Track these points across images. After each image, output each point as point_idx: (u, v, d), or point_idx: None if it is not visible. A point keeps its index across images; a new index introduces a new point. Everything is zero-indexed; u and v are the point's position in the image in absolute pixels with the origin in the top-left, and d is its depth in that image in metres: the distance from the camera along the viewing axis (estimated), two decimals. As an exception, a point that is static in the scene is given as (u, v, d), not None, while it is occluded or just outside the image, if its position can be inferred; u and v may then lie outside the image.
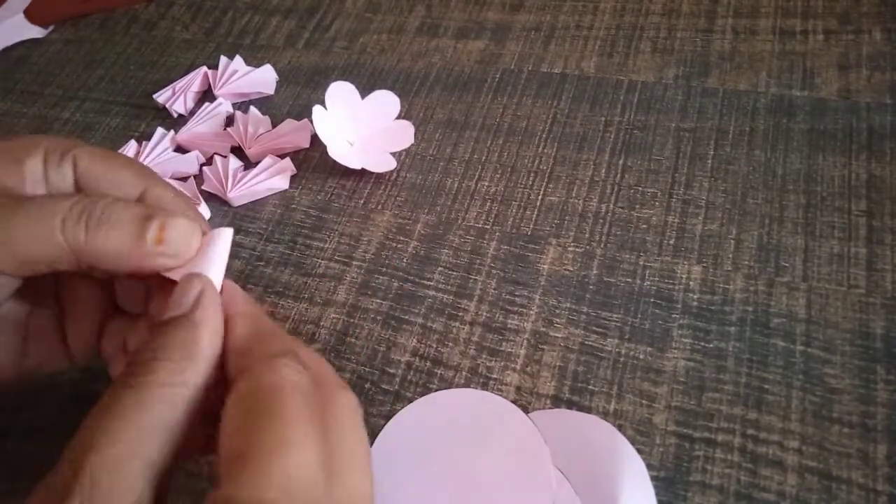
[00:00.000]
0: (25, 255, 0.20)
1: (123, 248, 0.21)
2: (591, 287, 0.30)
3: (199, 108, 0.41)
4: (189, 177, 0.38)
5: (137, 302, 0.25)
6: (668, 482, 0.25)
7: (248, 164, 0.38)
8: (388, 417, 0.27)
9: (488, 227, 0.33)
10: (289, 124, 0.39)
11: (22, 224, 0.20)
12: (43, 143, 0.23)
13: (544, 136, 0.36)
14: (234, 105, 0.41)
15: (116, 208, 0.21)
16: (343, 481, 0.18)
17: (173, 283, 0.21)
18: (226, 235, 0.22)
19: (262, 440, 0.17)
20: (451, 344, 0.30)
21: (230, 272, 0.33)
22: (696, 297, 0.29)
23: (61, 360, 0.25)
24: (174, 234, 0.21)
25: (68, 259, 0.21)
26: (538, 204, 0.33)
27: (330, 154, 0.35)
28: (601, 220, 0.32)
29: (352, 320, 0.31)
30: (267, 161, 0.37)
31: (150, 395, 0.18)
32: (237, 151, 0.39)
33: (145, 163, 0.38)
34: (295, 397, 0.18)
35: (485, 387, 0.28)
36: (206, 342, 0.20)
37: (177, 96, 0.41)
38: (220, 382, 0.20)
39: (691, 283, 0.29)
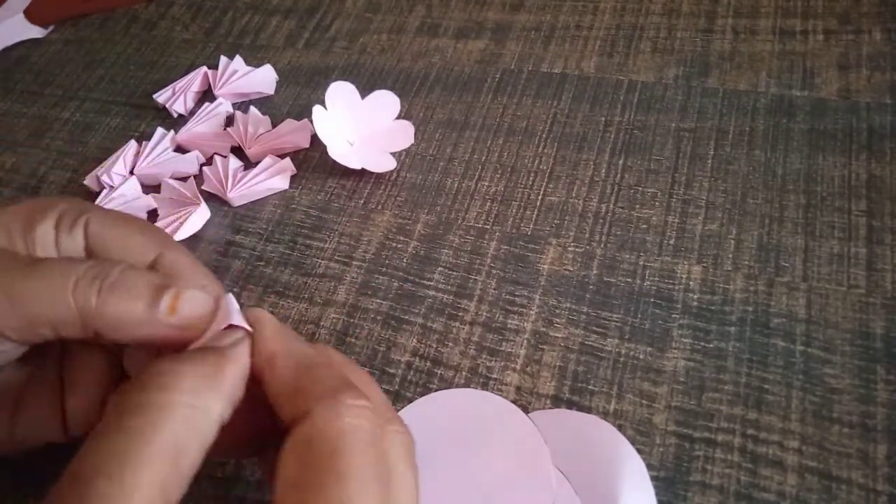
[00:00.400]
0: (33, 316, 0.19)
1: (135, 316, 0.20)
2: (591, 287, 0.30)
3: (199, 108, 0.41)
4: (189, 177, 0.38)
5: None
6: (668, 482, 0.25)
7: (248, 164, 0.38)
8: (388, 417, 0.27)
9: (488, 227, 0.33)
10: (289, 124, 0.39)
11: (33, 283, 0.20)
12: (58, 207, 0.23)
13: (544, 136, 0.36)
14: (234, 105, 0.41)
15: (131, 275, 0.20)
16: None
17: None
18: (231, 301, 0.22)
19: (323, 500, 0.16)
20: (451, 344, 0.30)
21: (231, 272, 0.34)
22: (696, 297, 0.29)
23: (55, 432, 0.24)
24: (188, 306, 0.20)
25: (75, 324, 0.20)
26: (538, 204, 0.33)
27: (330, 154, 0.35)
28: (601, 220, 0.32)
29: (352, 320, 0.31)
30: (267, 161, 0.37)
31: (164, 416, 0.17)
32: (237, 151, 0.39)
33: (145, 162, 0.38)
34: (358, 447, 0.17)
35: (485, 387, 0.28)
36: (231, 375, 0.19)
37: (177, 96, 0.41)
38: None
39: (691, 283, 0.29)
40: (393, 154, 0.36)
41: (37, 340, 0.20)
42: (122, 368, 0.24)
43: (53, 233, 0.23)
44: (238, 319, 0.21)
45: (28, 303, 0.19)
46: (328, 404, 0.18)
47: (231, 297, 0.22)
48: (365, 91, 0.38)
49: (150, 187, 0.38)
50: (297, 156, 0.38)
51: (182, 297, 0.20)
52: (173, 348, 0.21)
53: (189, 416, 0.18)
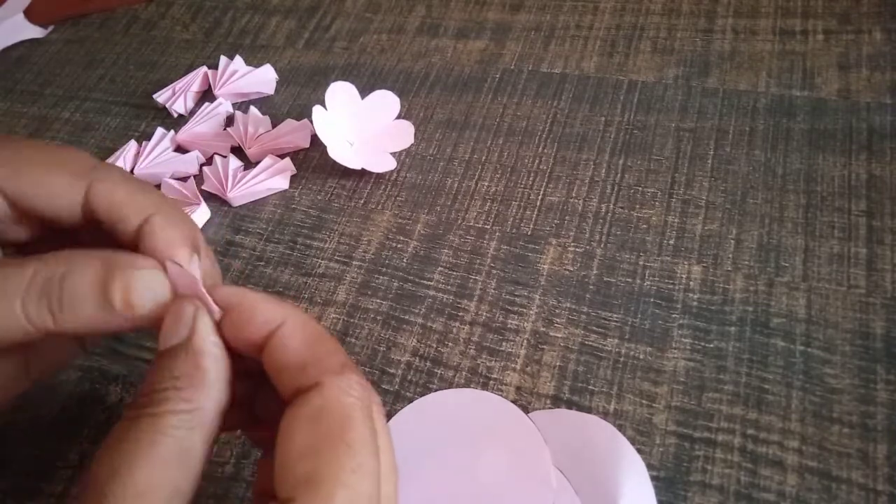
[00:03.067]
0: None
1: (94, 321, 0.20)
2: (591, 287, 0.30)
3: (199, 108, 0.41)
4: (189, 177, 0.38)
5: None
6: (668, 482, 0.25)
7: (248, 164, 0.38)
8: (388, 417, 0.27)
9: (488, 227, 0.33)
10: (289, 124, 0.39)
11: None
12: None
13: (544, 136, 0.36)
14: (234, 105, 0.41)
15: (74, 279, 0.20)
16: (385, 492, 0.18)
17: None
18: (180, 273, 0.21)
19: (337, 467, 0.17)
20: (451, 344, 0.30)
21: (231, 272, 0.34)
22: (696, 297, 0.29)
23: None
24: (138, 295, 0.20)
25: (36, 335, 0.20)
26: (538, 204, 0.33)
27: (330, 154, 0.35)
28: (601, 220, 0.32)
29: (352, 320, 0.31)
30: (267, 161, 0.37)
31: (164, 422, 0.18)
32: (237, 151, 0.39)
33: (145, 162, 0.38)
34: (366, 422, 0.18)
35: (485, 387, 0.28)
36: (209, 366, 0.19)
37: (177, 96, 0.41)
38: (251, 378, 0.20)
39: (691, 283, 0.29)
40: (393, 154, 0.36)
41: (9, 348, 0.20)
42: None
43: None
44: (193, 284, 0.20)
45: None
46: (341, 378, 0.19)
47: (176, 267, 0.21)
48: (365, 91, 0.38)
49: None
50: (297, 156, 0.38)
51: (132, 290, 0.20)
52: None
53: (187, 419, 0.18)
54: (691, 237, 0.31)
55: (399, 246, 0.33)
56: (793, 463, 0.25)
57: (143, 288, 0.20)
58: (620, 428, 0.26)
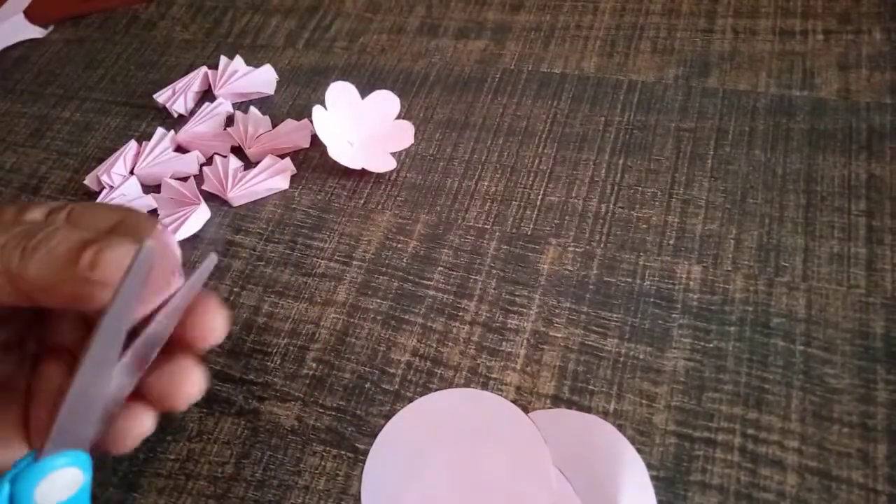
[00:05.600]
0: None
1: (55, 274, 0.19)
2: (591, 287, 0.30)
3: (199, 108, 0.41)
4: (189, 177, 0.38)
5: None
6: (668, 482, 0.25)
7: (248, 164, 0.38)
8: (388, 417, 0.27)
9: (488, 227, 0.33)
10: (289, 124, 0.39)
11: None
12: (49, 202, 0.22)
13: (544, 136, 0.36)
14: (234, 105, 0.41)
15: (57, 233, 0.19)
16: None
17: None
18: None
19: None
20: (451, 344, 0.30)
21: (231, 273, 0.34)
22: (696, 296, 0.29)
23: (19, 447, 0.23)
24: (109, 258, 0.19)
25: (3, 286, 0.19)
26: (538, 204, 0.33)
27: (330, 154, 0.35)
28: (601, 220, 0.32)
29: (352, 320, 0.31)
30: (267, 161, 0.37)
31: None
32: (237, 151, 0.39)
33: (145, 162, 0.38)
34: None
35: (485, 387, 0.28)
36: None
37: (177, 96, 0.41)
38: None
39: (691, 283, 0.29)
40: (393, 154, 0.36)
41: None
42: None
43: (43, 220, 0.22)
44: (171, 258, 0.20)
45: None
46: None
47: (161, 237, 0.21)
48: (365, 91, 0.38)
49: (151, 187, 0.38)
50: (297, 156, 0.38)
51: (105, 251, 0.19)
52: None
53: None
54: (691, 237, 0.31)
55: (399, 246, 0.33)
56: (793, 463, 0.25)
57: (116, 254, 0.19)
58: (620, 428, 0.26)
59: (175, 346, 0.21)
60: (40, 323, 0.23)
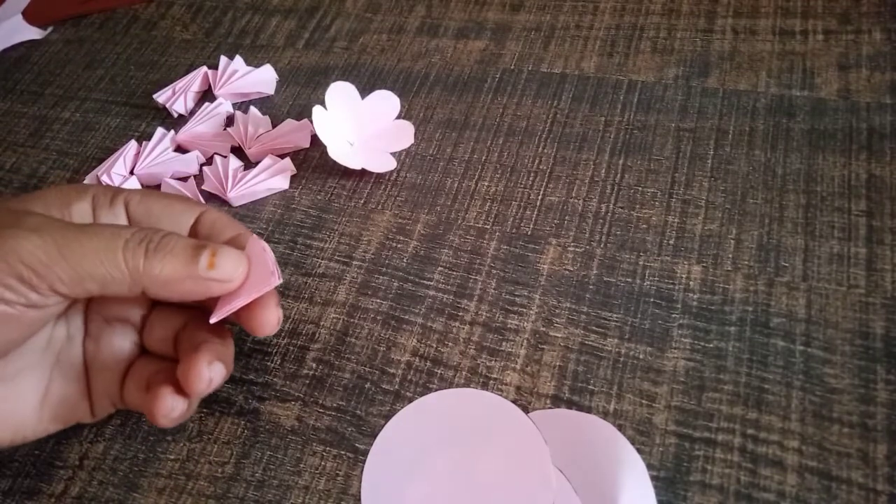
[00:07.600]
0: (85, 272, 0.22)
1: (179, 272, 0.23)
2: (591, 287, 0.30)
3: (199, 108, 0.41)
4: (189, 177, 0.38)
5: (165, 343, 0.26)
6: (668, 482, 0.25)
7: (248, 164, 0.38)
8: (388, 417, 0.27)
9: (488, 227, 0.33)
10: (289, 124, 0.39)
11: (86, 241, 0.22)
12: (90, 189, 0.26)
13: (544, 136, 0.36)
14: (234, 105, 0.41)
15: (172, 237, 0.23)
16: None
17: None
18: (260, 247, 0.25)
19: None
20: (451, 344, 0.30)
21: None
22: (696, 297, 0.29)
23: (83, 413, 0.26)
24: (224, 261, 0.23)
25: (123, 281, 0.22)
26: (538, 204, 0.33)
27: (330, 154, 0.35)
28: (601, 220, 0.32)
29: (352, 320, 0.31)
30: (267, 161, 0.37)
31: None
32: (237, 151, 0.39)
33: (145, 162, 0.38)
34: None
35: (485, 387, 0.28)
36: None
37: (177, 96, 0.41)
38: None
39: (691, 283, 0.29)
40: (393, 154, 0.36)
41: (83, 295, 0.23)
42: (143, 349, 0.27)
43: (90, 210, 0.26)
44: (269, 265, 0.24)
45: (81, 259, 0.22)
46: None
47: (258, 244, 0.25)
48: (365, 91, 0.38)
49: (151, 187, 0.38)
50: (297, 156, 0.38)
51: (219, 254, 0.23)
52: (212, 303, 0.25)
53: None
54: (691, 237, 0.31)
55: (399, 246, 0.33)
56: (793, 463, 0.25)
57: (229, 257, 0.24)
58: (620, 428, 0.26)
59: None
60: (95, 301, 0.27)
